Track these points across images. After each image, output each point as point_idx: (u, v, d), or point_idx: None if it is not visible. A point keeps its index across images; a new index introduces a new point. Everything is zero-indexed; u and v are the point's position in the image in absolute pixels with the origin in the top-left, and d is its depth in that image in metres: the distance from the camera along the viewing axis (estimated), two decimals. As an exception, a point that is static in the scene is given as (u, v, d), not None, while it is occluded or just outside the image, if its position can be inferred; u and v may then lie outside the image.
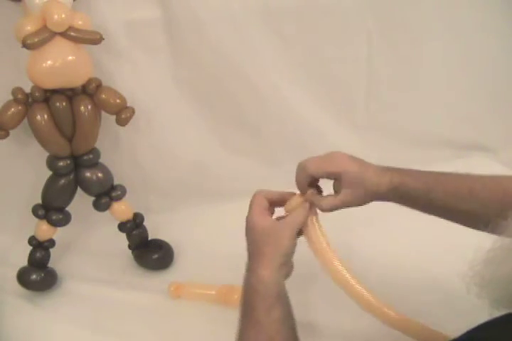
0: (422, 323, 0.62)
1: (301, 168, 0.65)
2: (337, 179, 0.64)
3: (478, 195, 0.61)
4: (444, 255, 0.80)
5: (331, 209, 0.64)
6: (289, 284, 0.61)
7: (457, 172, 0.64)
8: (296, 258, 0.63)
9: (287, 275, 0.62)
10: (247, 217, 0.64)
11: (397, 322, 0.62)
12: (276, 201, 0.66)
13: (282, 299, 0.58)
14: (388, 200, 0.65)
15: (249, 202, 0.65)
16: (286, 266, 0.61)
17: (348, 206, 0.64)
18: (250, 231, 0.63)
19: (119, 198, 0.88)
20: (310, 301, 0.82)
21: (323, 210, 0.65)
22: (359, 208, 0.65)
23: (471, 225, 0.63)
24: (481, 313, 0.46)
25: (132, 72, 0.90)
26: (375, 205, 0.65)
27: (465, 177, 0.64)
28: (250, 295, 0.59)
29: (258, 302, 0.57)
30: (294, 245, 0.62)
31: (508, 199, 0.59)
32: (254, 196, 0.66)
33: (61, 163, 0.81)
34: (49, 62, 0.72)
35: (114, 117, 0.82)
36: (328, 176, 0.64)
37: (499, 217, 0.48)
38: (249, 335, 0.57)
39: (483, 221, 0.51)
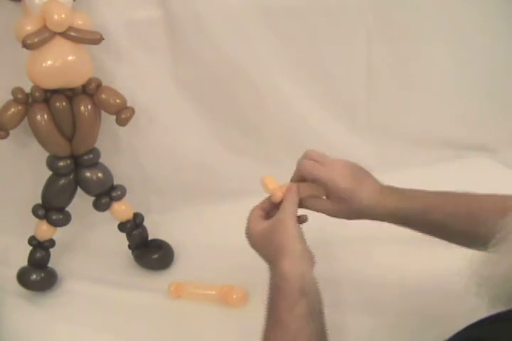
0: None
1: (298, 164, 0.65)
2: (325, 188, 0.64)
3: (476, 215, 0.61)
4: (442, 253, 0.80)
5: (309, 209, 0.65)
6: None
7: (455, 191, 0.64)
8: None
9: (311, 263, 0.60)
10: (246, 232, 0.64)
11: None
12: (270, 205, 0.66)
13: (308, 293, 0.56)
14: (383, 221, 0.65)
15: (248, 202, 0.65)
16: (307, 253, 0.60)
17: (332, 216, 0.65)
18: (253, 240, 0.63)
19: (119, 198, 0.88)
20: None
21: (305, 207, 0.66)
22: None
23: (469, 245, 0.62)
24: (478, 312, 0.46)
25: (132, 72, 0.90)
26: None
27: (463, 197, 0.64)
28: (273, 294, 0.57)
29: (280, 299, 0.56)
30: (301, 231, 0.61)
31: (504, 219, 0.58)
32: (250, 212, 0.66)
33: (61, 163, 0.81)
34: (49, 62, 0.72)
35: (114, 117, 0.82)
36: (318, 183, 0.64)
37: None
38: (272, 336, 0.55)
39: (481, 241, 0.50)
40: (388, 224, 0.66)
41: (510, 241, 0.47)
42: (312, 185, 0.65)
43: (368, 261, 0.87)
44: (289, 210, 0.62)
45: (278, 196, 0.65)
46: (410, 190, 0.65)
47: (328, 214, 0.65)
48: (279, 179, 0.70)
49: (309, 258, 0.60)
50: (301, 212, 0.65)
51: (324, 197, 0.66)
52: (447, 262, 0.63)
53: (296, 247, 0.59)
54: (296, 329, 0.53)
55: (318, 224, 0.66)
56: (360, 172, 0.65)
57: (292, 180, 0.67)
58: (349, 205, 0.63)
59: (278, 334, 0.54)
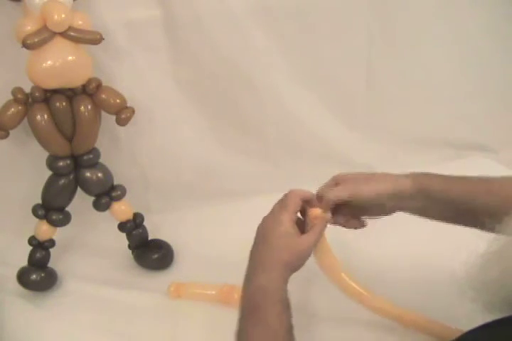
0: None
1: (323, 193, 0.65)
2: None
3: (495, 194, 0.62)
4: (438, 258, 0.80)
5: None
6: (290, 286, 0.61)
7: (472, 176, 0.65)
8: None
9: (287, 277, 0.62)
10: (277, 213, 0.63)
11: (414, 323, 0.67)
12: (305, 203, 0.66)
13: (289, 307, 0.58)
14: (405, 206, 0.65)
15: (248, 202, 0.65)
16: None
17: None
18: (274, 229, 0.62)
19: (119, 198, 0.88)
20: (310, 303, 0.82)
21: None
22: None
23: (483, 224, 0.62)
24: (474, 316, 0.46)
25: (132, 72, 0.90)
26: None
27: (484, 178, 0.65)
28: (257, 295, 0.58)
29: (267, 304, 0.56)
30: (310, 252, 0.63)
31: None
32: (290, 194, 0.64)
33: (61, 163, 0.81)
34: (49, 62, 0.72)
35: (114, 117, 0.82)
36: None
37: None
38: (253, 329, 0.56)
39: (497, 219, 0.51)
40: (383, 227, 0.67)
41: (506, 246, 0.47)
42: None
43: (363, 263, 0.87)
44: (317, 237, 0.63)
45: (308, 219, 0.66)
46: (430, 173, 0.66)
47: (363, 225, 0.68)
48: (279, 179, 0.70)
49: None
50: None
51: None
52: (444, 266, 0.63)
53: (295, 269, 0.61)
54: (280, 337, 0.55)
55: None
56: (365, 173, 0.66)
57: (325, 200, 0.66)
58: (382, 211, 0.65)
59: (261, 329, 0.55)
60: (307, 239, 0.62)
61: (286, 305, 0.57)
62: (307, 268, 0.63)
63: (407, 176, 0.64)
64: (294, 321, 0.57)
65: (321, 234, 0.64)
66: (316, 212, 0.64)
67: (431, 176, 0.65)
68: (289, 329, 0.56)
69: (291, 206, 0.63)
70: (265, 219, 0.63)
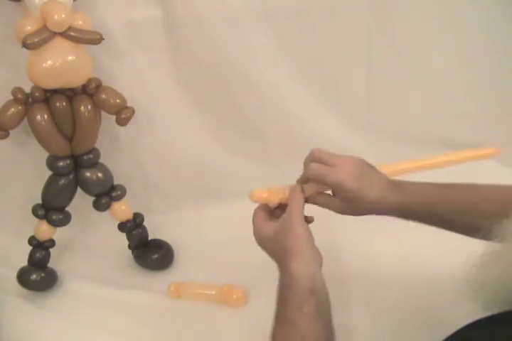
0: None
1: (305, 167, 0.65)
2: (333, 190, 0.64)
3: (480, 208, 0.61)
4: (438, 258, 0.80)
5: (316, 204, 0.65)
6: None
7: (461, 183, 0.65)
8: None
9: (320, 263, 0.60)
10: (254, 233, 0.64)
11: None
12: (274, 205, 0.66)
13: (316, 293, 0.56)
14: (387, 215, 0.65)
15: (248, 203, 0.65)
16: (315, 253, 0.60)
17: (340, 213, 0.65)
18: (263, 242, 0.63)
19: (119, 198, 0.88)
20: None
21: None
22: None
23: (471, 235, 0.62)
24: (474, 316, 0.46)
25: (132, 72, 0.90)
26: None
27: (470, 189, 0.64)
28: (282, 293, 0.57)
29: (290, 298, 0.56)
30: (309, 230, 0.61)
31: (509, 211, 0.59)
32: (253, 213, 0.66)
33: (61, 163, 0.81)
34: (49, 62, 0.72)
35: (114, 117, 0.82)
36: (325, 185, 0.64)
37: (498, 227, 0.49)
38: (280, 334, 0.55)
39: (483, 231, 0.51)
40: (381, 228, 0.66)
41: (505, 246, 0.47)
42: (319, 185, 0.66)
43: (363, 264, 0.87)
44: (296, 211, 0.62)
45: (274, 201, 0.65)
46: (414, 185, 0.65)
47: (335, 212, 0.65)
48: (278, 179, 0.70)
49: (318, 258, 0.60)
50: (307, 207, 0.65)
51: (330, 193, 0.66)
52: (444, 265, 0.63)
53: (305, 248, 0.59)
54: (304, 328, 0.54)
55: (322, 224, 0.66)
56: (367, 171, 0.65)
57: (300, 181, 0.67)
58: (356, 204, 0.63)
59: (286, 333, 0.54)
60: (287, 218, 0.61)
61: (312, 292, 0.56)
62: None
63: (388, 192, 0.63)
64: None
65: (298, 205, 0.63)
66: (273, 196, 0.65)
67: (414, 191, 0.64)
68: (316, 316, 0.54)
69: (254, 219, 0.65)
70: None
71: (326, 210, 0.66)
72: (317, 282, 0.57)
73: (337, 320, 0.56)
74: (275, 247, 0.61)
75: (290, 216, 0.61)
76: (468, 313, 0.47)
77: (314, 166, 0.64)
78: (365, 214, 0.65)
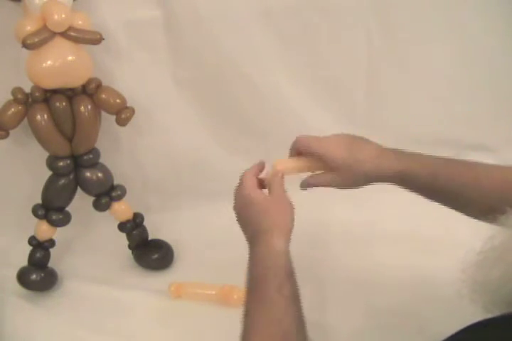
0: None
1: (294, 142, 0.67)
2: (323, 161, 0.64)
3: (481, 184, 0.61)
4: (438, 258, 0.80)
5: (314, 185, 0.66)
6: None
7: (464, 159, 0.65)
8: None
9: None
10: (240, 193, 0.64)
11: None
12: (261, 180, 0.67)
13: (292, 276, 0.55)
14: (390, 183, 0.64)
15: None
16: (290, 235, 0.60)
17: (341, 187, 0.65)
18: (246, 205, 0.63)
19: (119, 198, 0.88)
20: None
21: (307, 185, 0.66)
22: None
23: (471, 214, 0.63)
24: (472, 317, 0.46)
25: (132, 72, 0.90)
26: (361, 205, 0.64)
27: (472, 165, 0.64)
28: (259, 269, 0.56)
29: (269, 278, 0.55)
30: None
31: (508, 191, 0.59)
32: (244, 174, 0.67)
33: (61, 163, 0.81)
34: (49, 62, 0.72)
35: (114, 117, 0.82)
36: (314, 156, 0.65)
37: (498, 209, 0.49)
38: (256, 312, 0.54)
39: (483, 210, 0.51)
40: (389, 224, 0.66)
41: (504, 246, 0.47)
42: (309, 159, 0.65)
43: (360, 262, 0.87)
44: (280, 189, 0.63)
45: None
46: (418, 154, 0.65)
47: (336, 187, 0.65)
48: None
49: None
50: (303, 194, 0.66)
51: (322, 172, 0.66)
52: (443, 267, 0.63)
53: (290, 227, 0.60)
54: (282, 311, 0.52)
55: (318, 222, 0.66)
56: (356, 140, 0.65)
57: (289, 156, 0.67)
58: (352, 172, 0.63)
59: (263, 313, 0.53)
60: (276, 195, 0.63)
61: (289, 274, 0.55)
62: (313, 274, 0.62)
63: (393, 158, 0.63)
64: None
65: (278, 184, 0.64)
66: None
67: (417, 160, 0.64)
68: (293, 299, 0.53)
69: (247, 180, 0.65)
70: (235, 199, 0.66)
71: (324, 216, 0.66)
72: (291, 262, 0.57)
73: (331, 321, 0.56)
74: (259, 216, 0.61)
75: (283, 192, 0.62)
76: (467, 314, 0.46)
77: (303, 138, 0.64)
78: (365, 184, 0.65)
